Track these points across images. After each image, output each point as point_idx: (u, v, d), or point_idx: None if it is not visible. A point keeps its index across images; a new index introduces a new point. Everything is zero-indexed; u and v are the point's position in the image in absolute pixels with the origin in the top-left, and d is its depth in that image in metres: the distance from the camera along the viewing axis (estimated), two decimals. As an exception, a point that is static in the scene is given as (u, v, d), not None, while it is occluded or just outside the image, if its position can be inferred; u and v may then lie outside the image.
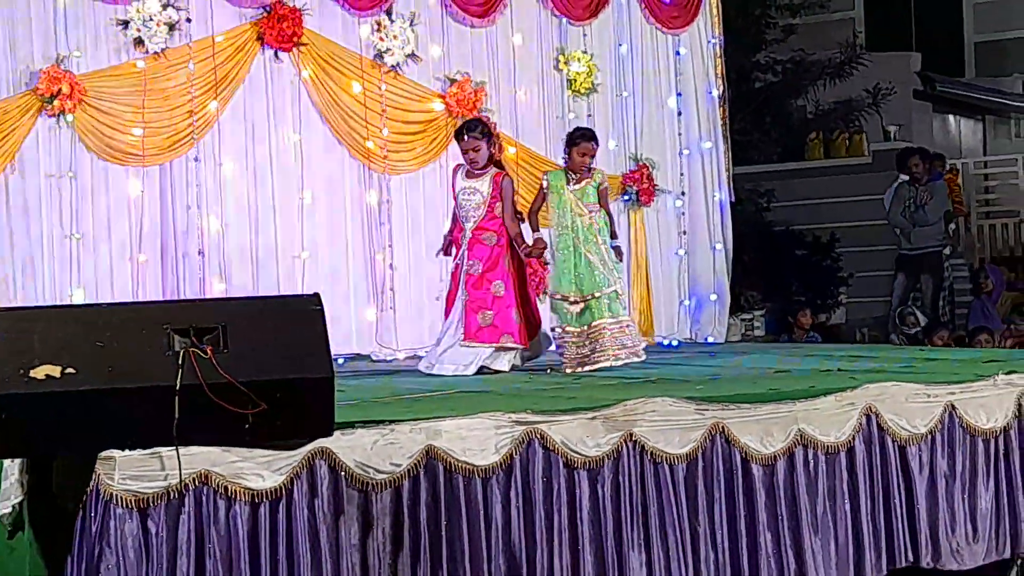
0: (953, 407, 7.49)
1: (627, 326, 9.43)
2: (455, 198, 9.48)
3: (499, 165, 9.58)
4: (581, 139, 9.50)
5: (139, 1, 9.81)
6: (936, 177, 16.21)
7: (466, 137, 9.39)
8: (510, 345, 9.35)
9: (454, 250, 9.54)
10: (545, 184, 9.44)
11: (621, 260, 9.84)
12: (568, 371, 9.18)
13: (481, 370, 9.23)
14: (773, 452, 6.87)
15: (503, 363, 9.34)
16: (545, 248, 9.46)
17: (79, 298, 9.25)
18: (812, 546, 6.94)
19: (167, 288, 9.69)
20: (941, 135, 22.20)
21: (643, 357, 9.37)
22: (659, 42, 12.69)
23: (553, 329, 9.51)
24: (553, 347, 9.54)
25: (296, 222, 10.44)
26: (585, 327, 9.26)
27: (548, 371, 9.33)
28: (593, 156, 9.47)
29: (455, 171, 9.59)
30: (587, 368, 9.17)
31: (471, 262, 9.31)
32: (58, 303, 8.68)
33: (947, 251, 16.21)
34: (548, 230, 9.53)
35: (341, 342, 9.62)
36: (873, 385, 7.37)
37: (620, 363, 9.21)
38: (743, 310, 14.41)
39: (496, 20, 11.57)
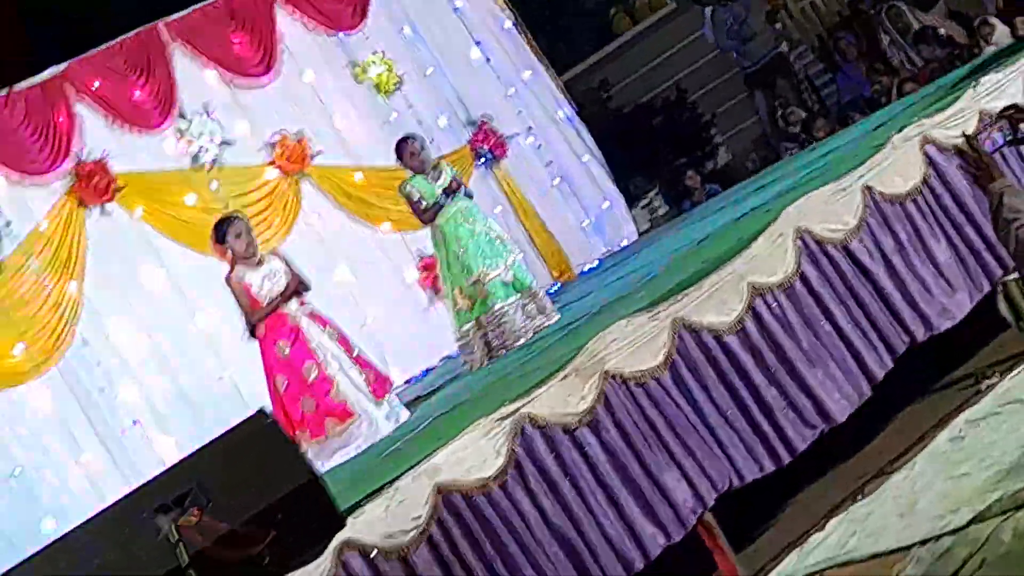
0: (869, 188, 7.53)
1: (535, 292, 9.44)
2: (253, 297, 8.51)
3: None
4: (400, 147, 9.47)
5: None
6: (740, -12, 16.27)
7: (240, 225, 8.59)
8: None
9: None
10: (416, 193, 9.28)
11: None
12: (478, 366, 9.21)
13: None
14: (737, 317, 6.88)
15: None
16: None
17: (50, 527, 9.06)
18: (816, 378, 6.96)
19: (125, 475, 9.50)
20: (722, -52, 22.26)
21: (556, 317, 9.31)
22: (435, 7, 12.65)
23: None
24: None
25: (206, 347, 10.31)
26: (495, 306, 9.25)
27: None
28: (423, 151, 9.41)
29: (230, 276, 8.57)
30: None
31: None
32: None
33: (784, 48, 16.27)
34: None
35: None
36: (790, 207, 7.39)
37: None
38: (638, 200, 14.43)
39: (280, 69, 11.47)
